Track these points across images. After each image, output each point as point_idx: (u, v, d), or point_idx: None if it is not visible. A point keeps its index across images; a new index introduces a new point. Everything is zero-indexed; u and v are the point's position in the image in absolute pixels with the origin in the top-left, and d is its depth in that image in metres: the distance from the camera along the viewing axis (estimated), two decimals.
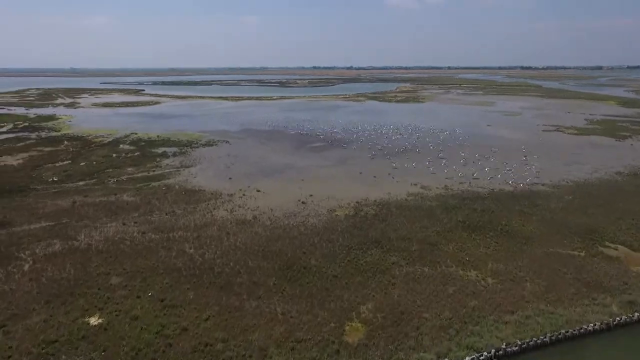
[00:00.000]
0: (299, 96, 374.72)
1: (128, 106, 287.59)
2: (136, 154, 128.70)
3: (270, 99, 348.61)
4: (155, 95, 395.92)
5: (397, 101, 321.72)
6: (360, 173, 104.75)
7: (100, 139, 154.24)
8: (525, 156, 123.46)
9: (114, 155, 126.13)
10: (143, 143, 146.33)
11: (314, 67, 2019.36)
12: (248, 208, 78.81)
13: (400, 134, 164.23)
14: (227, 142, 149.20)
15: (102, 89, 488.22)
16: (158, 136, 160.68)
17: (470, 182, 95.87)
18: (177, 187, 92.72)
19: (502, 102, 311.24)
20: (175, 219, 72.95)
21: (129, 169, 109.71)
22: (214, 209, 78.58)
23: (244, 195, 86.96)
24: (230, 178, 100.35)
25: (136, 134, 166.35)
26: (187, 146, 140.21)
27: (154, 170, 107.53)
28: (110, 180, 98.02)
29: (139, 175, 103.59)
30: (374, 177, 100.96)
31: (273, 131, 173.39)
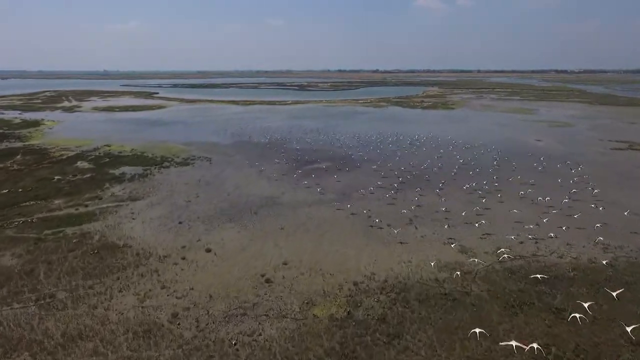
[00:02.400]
0: (316, 100, 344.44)
1: (128, 110, 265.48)
2: (86, 176, 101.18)
3: (284, 103, 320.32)
4: (165, 98, 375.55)
5: (424, 107, 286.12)
6: (369, 217, 72.53)
7: (61, 153, 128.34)
8: (602, 191, 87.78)
9: (56, 178, 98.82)
10: (107, 160, 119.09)
11: (339, 70, 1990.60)
12: (173, 292, 48.25)
13: (426, 150, 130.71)
14: (208, 159, 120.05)
15: (115, 92, 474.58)
16: (132, 150, 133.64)
17: (537, 241, 62.07)
18: (96, 238, 63.42)
19: (544, 109, 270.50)
20: (40, 317, 43.27)
21: (58, 201, 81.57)
22: (121, 290, 48.49)
23: (183, 259, 56.58)
24: (180, 222, 70.38)
25: (109, 146, 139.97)
26: (156, 165, 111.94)
27: (86, 205, 78.89)
28: (14, 223, 69.87)
29: (62, 212, 75.13)
30: (389, 226, 68.55)
31: (271, 144, 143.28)
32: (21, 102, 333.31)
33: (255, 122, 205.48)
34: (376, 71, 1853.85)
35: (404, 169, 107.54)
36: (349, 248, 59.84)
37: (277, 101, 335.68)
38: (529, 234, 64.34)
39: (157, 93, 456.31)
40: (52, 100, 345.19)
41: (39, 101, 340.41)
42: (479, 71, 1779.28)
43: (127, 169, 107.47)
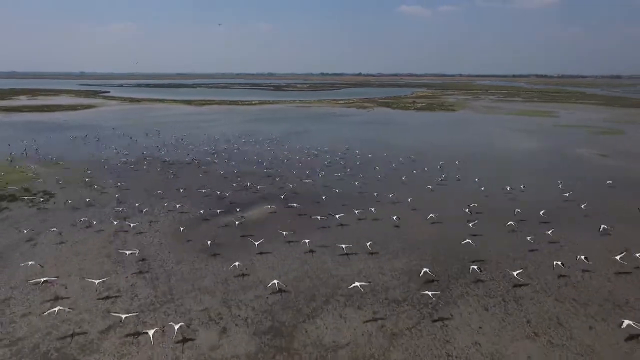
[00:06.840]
0: (288, 101, 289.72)
1: (43, 111, 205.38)
2: None
3: (249, 103, 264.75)
4: (110, 97, 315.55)
5: (418, 109, 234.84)
6: None
7: None
8: None
9: None
10: None
11: (322, 74, 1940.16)
12: None
13: (439, 176, 77.01)
14: (47, 198, 63.61)
15: (58, 90, 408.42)
16: None
17: None
18: None
19: (564, 111, 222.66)
20: None
21: None
22: None
23: None
24: None
25: None
26: None
27: None
28: None
29: None
30: None
31: (191, 165, 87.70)
32: None
33: (197, 127, 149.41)
34: (359, 75, 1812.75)
35: (415, 229, 53.20)
36: None
37: (241, 101, 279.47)
38: None
39: (108, 92, 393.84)
40: None
41: None
42: (461, 75, 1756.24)
43: None
